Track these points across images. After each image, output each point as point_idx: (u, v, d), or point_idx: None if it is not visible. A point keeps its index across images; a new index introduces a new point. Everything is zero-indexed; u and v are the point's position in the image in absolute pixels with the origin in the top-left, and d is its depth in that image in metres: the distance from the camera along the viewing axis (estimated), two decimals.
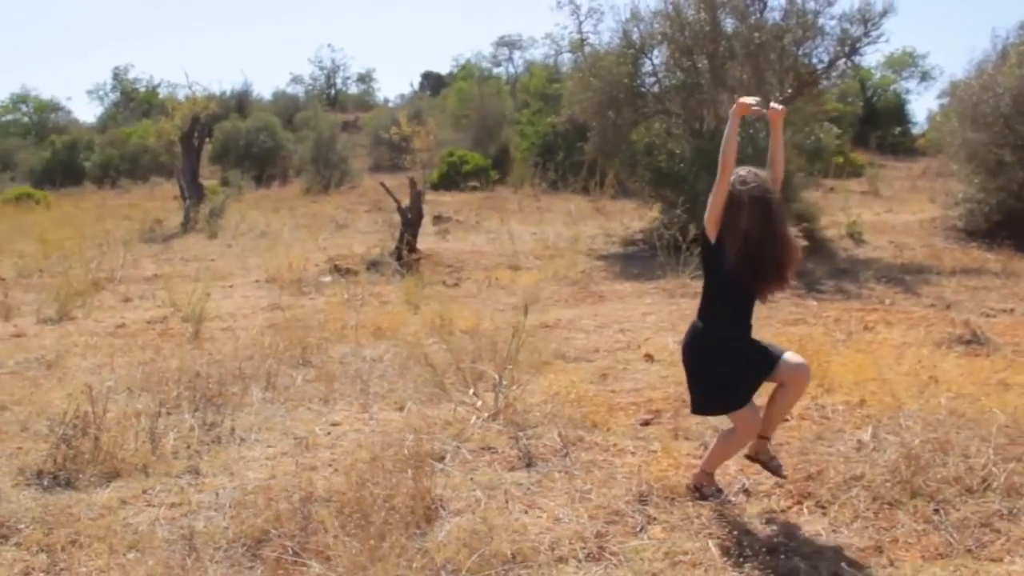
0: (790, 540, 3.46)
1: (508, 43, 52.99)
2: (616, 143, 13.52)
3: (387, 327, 7.61)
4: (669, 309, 8.31)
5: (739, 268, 3.44)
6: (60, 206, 22.54)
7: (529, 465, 4.31)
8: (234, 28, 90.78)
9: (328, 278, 10.83)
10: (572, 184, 20.36)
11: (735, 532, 3.52)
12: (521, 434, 4.63)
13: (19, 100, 46.55)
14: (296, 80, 55.37)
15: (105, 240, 14.87)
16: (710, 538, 3.46)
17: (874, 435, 4.38)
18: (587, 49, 14.82)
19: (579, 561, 3.32)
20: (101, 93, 50.93)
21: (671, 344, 6.50)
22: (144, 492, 4.16)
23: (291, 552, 3.38)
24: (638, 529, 3.55)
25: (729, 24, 13.00)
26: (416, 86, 53.87)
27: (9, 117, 46.27)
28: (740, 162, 3.50)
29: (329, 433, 4.96)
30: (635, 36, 13.33)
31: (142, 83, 50.99)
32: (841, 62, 12.73)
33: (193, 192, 18.18)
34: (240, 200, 21.10)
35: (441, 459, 4.44)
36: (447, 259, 11.96)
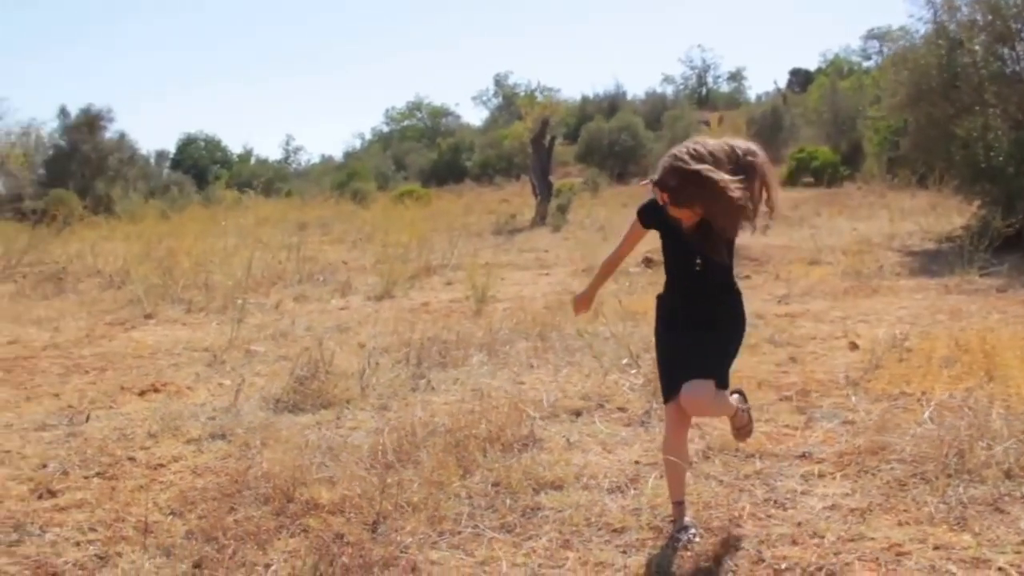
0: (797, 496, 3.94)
1: (877, 36, 51.32)
2: (934, 138, 13.46)
3: (640, 311, 8.56)
4: (931, 304, 8.51)
5: None
6: (438, 202, 26.62)
7: (643, 424, 5.13)
8: (606, 31, 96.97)
9: (637, 268, 11.99)
10: (922, 180, 19.77)
11: (759, 482, 4.08)
12: (653, 399, 5.41)
13: (414, 107, 56.67)
14: (667, 80, 59.18)
15: (463, 232, 17.58)
16: (739, 490, 4.06)
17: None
18: (900, 41, 14.63)
19: (601, 490, 4.14)
20: (484, 98, 58.62)
21: (880, 335, 6.91)
22: (337, 418, 5.71)
23: (408, 459, 4.64)
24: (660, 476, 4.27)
25: None
26: (781, 84, 54.38)
27: (406, 123, 56.01)
28: None
29: (507, 390, 6.14)
30: (951, 25, 13.17)
31: (520, 88, 57.28)
32: None
33: (543, 189, 20.56)
34: (596, 197, 23.17)
35: (577, 413, 5.42)
36: (754, 253, 12.56)
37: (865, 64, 50.47)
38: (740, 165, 3.31)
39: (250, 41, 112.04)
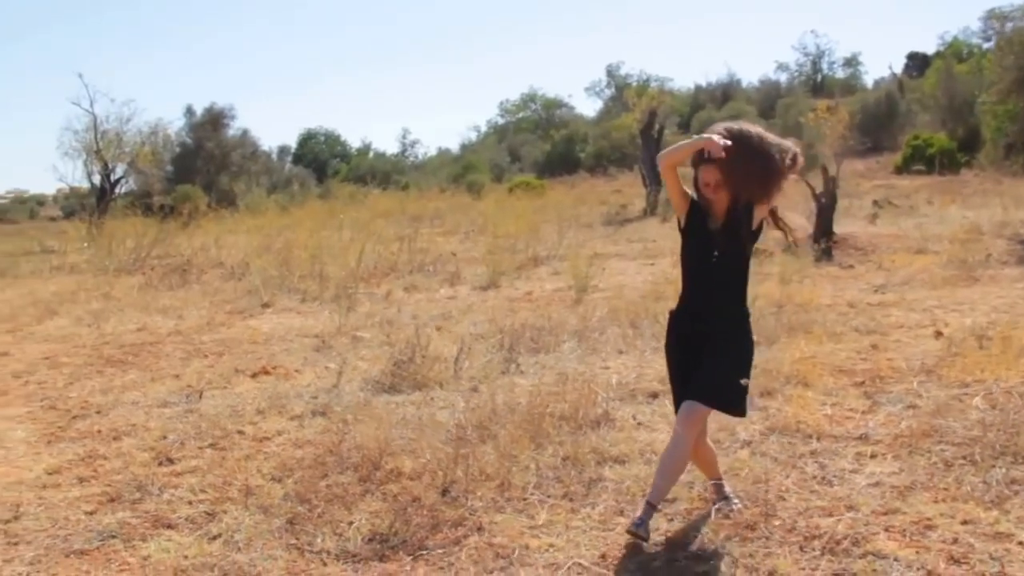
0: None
1: (999, 16, 48.84)
2: None
3: None
4: None
5: None
6: (551, 193, 27.09)
7: None
8: (719, 19, 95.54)
9: None
10: None
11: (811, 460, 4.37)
12: None
13: (529, 99, 57.51)
14: (781, 68, 58.43)
15: (573, 222, 17.99)
16: (791, 467, 4.35)
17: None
18: (1013, 22, 14.10)
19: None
20: (597, 89, 58.90)
21: (968, 323, 7.11)
22: (430, 398, 6.23)
23: (487, 434, 5.11)
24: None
25: None
26: (897, 69, 52.72)
27: (520, 115, 57.00)
28: None
29: (591, 374, 6.54)
30: None
31: (632, 78, 57.23)
32: None
33: (652, 180, 20.77)
34: None
35: (653, 395, 5.79)
36: (861, 242, 12.61)
37: (985, 46, 48.54)
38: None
39: (367, 36, 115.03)
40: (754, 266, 10.91)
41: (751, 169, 3.70)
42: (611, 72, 58.66)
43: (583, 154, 41.89)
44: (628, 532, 3.70)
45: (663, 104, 23.03)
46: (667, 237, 15.87)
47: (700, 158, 3.77)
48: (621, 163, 37.49)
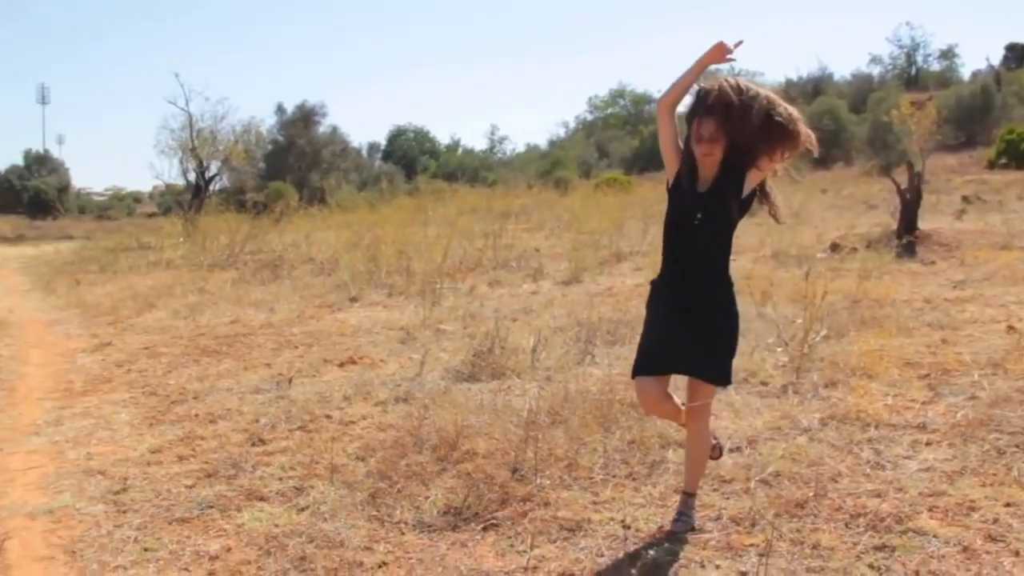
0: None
1: None
2: None
3: (811, 295, 8.97)
4: None
5: None
6: (638, 189, 27.19)
7: (778, 397, 5.72)
8: (811, 12, 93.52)
9: (823, 254, 12.25)
10: None
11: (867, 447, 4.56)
12: (795, 374, 5.95)
13: (617, 95, 57.63)
14: (875, 60, 57.23)
15: (659, 218, 18.13)
16: (847, 452, 4.56)
17: None
18: None
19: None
20: None
21: None
22: (506, 386, 6.57)
23: (558, 419, 5.43)
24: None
25: None
26: (995, 61, 50.90)
27: (609, 111, 57.11)
28: None
29: None
30: None
31: (721, 73, 56.86)
32: None
33: None
34: (796, 182, 23.06)
35: None
36: (946, 238, 12.56)
37: None
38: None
39: (456, 32, 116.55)
40: (834, 263, 11.01)
41: (749, 121, 3.56)
42: None
43: None
44: (673, 530, 3.88)
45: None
46: (751, 233, 15.90)
47: (697, 109, 3.70)
48: None
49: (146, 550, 4.06)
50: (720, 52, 3.74)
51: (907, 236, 12.40)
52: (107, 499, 4.74)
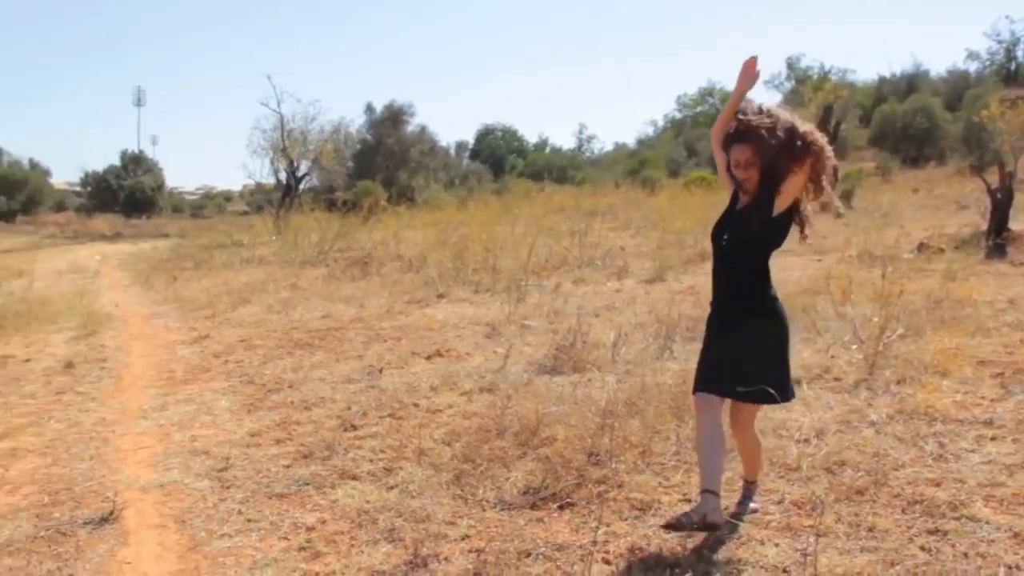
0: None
1: None
2: None
3: (892, 294, 9.04)
4: None
5: None
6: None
7: (850, 392, 5.91)
8: (906, 6, 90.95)
9: (909, 255, 12.22)
10: None
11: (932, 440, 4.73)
12: (868, 371, 6.12)
13: (706, 93, 57.70)
14: (972, 56, 55.26)
15: None
16: (912, 445, 4.74)
17: None
18: None
19: (790, 439, 4.97)
20: (776, 82, 57.72)
21: None
22: (586, 379, 6.86)
23: (635, 410, 5.70)
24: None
25: None
26: None
27: (698, 109, 56.99)
28: None
29: None
30: None
31: (813, 70, 55.67)
32: None
33: None
34: (886, 182, 22.77)
35: (796, 382, 6.20)
36: None
37: None
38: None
39: (545, 32, 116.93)
40: (919, 263, 11.00)
41: (775, 135, 3.71)
42: (791, 65, 57.63)
43: None
44: (736, 511, 4.10)
45: (840, 98, 22.71)
46: (838, 233, 15.90)
47: (731, 138, 3.89)
48: None
49: (249, 521, 4.47)
50: (750, 72, 3.92)
51: (997, 237, 12.30)
52: (212, 476, 5.19)
